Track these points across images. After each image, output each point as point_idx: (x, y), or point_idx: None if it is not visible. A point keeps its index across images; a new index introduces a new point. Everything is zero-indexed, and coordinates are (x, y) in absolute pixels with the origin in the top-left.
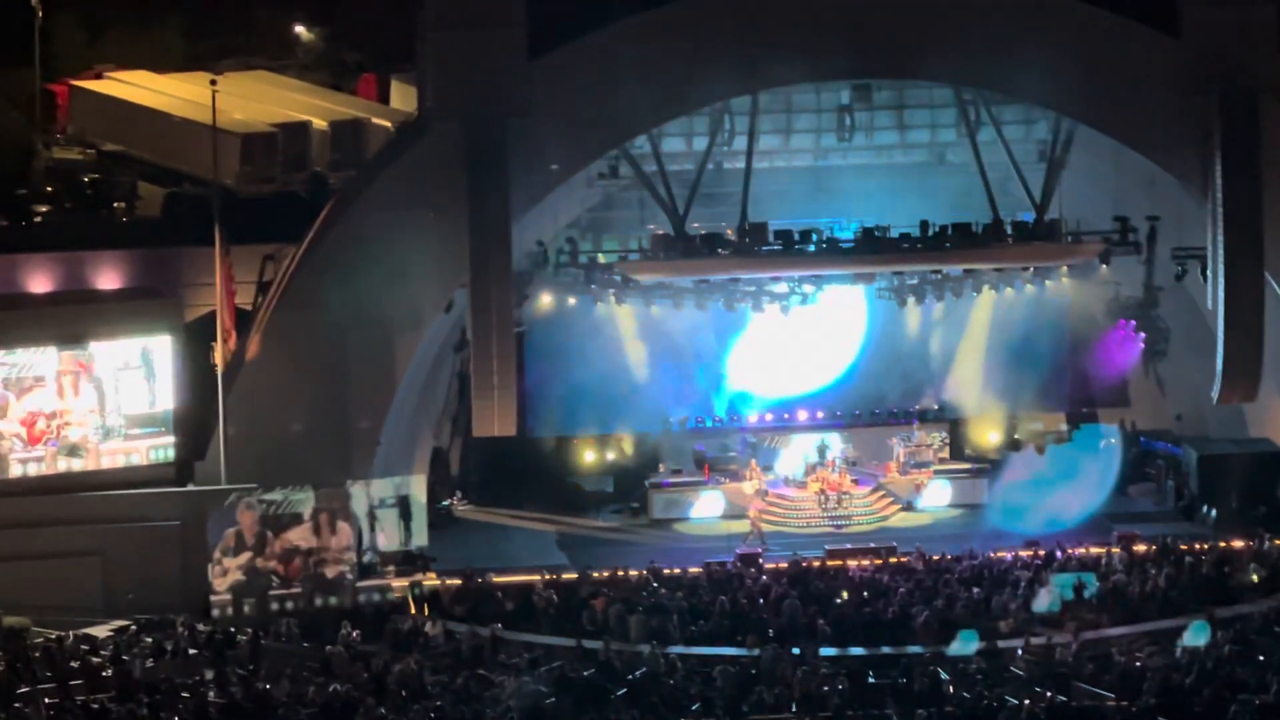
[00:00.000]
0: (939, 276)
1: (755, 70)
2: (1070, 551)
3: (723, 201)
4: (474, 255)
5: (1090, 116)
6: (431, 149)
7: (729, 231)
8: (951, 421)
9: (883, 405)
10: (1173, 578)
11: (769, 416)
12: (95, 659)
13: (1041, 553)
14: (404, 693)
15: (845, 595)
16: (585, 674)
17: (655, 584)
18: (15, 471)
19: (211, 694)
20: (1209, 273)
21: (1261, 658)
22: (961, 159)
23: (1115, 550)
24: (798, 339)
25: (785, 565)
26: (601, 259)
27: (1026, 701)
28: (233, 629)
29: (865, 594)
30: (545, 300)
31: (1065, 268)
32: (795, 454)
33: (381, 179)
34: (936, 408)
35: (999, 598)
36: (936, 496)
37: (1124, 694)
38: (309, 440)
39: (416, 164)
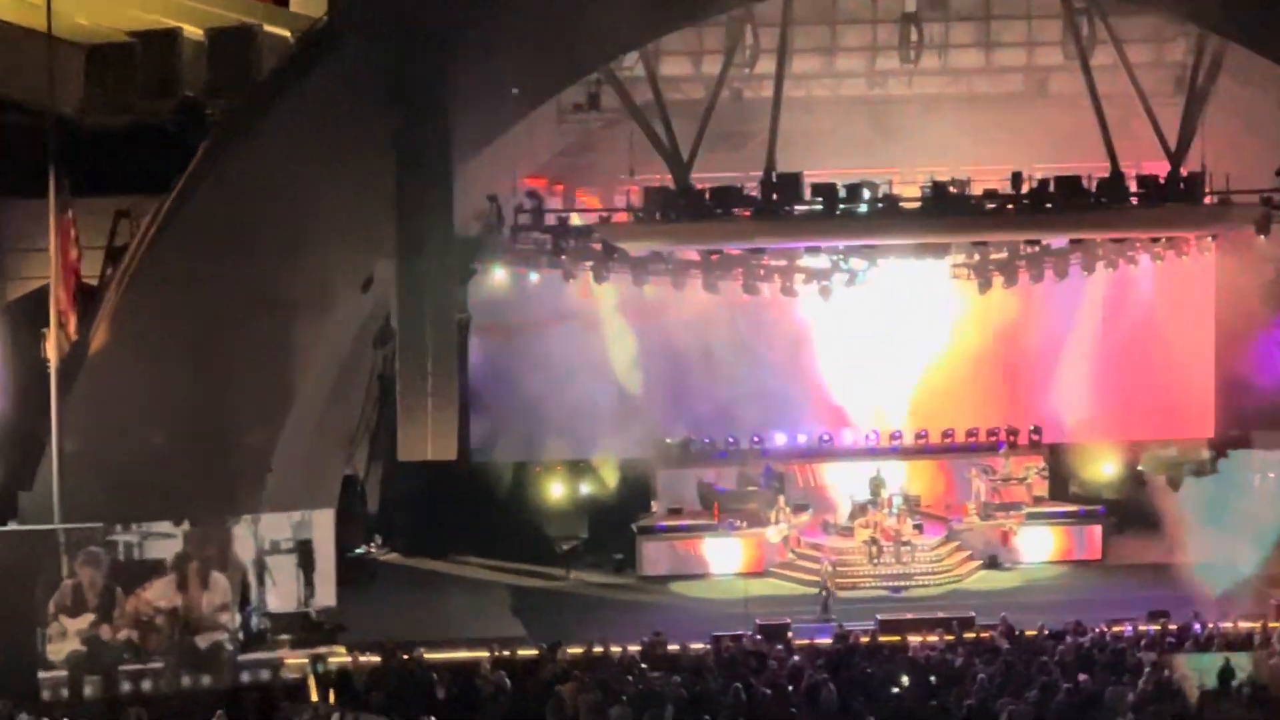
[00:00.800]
0: (1036, 249)
1: None
2: (1213, 625)
3: (742, 144)
4: (401, 214)
5: (1245, 32)
6: (344, 69)
7: (750, 185)
8: (1051, 448)
9: (957, 425)
10: None
11: (803, 439)
12: None
13: (1174, 627)
14: None
15: (905, 682)
16: None
17: (645, 665)
18: None
19: None
20: None
21: None
22: (1069, 90)
23: (1276, 625)
24: (842, 333)
25: (824, 642)
26: (576, 220)
27: None
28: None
29: (932, 681)
30: (498, 277)
31: (1209, 239)
32: (838, 490)
33: (276, 109)
34: (1031, 430)
35: (1115, 688)
36: (1030, 549)
37: None
38: (175, 462)
39: (324, 89)
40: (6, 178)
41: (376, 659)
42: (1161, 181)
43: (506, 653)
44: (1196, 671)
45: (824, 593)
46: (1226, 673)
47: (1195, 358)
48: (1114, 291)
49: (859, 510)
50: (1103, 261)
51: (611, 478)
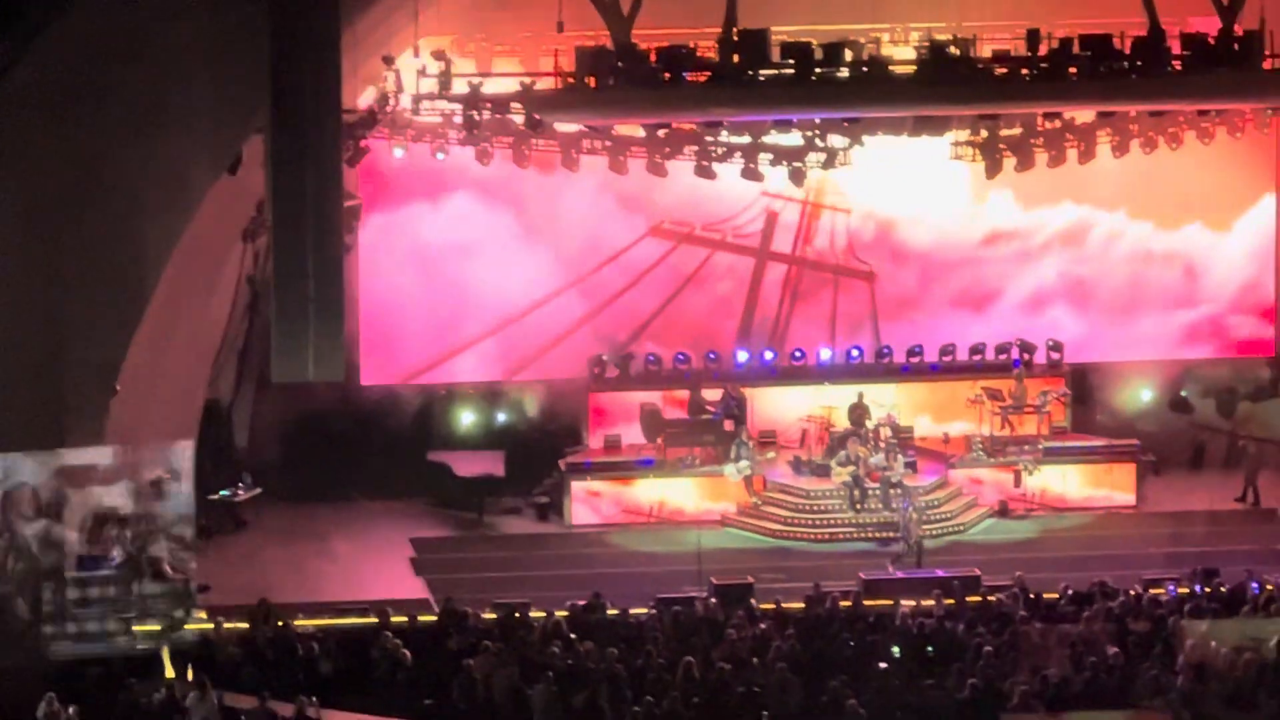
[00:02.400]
0: (1056, 124)
1: None
2: (1274, 585)
3: None
4: (277, 81)
5: None
6: None
7: (705, 45)
8: (1074, 370)
9: (959, 340)
10: None
11: (770, 356)
12: None
13: (1224, 587)
14: None
15: (895, 654)
16: None
17: (575, 634)
18: None
19: None
20: None
21: None
22: None
23: None
24: (818, 227)
25: (794, 606)
26: (490, 87)
27: None
28: None
29: (928, 652)
30: (396, 156)
31: (1268, 112)
32: (813, 419)
33: None
34: (1050, 346)
35: (1150, 662)
36: (1049, 493)
37: None
38: None
39: None
40: None
41: (245, 626)
42: (1211, 41)
43: (404, 618)
44: (1245, 638)
45: (908, 544)
46: None
47: (1251, 259)
48: (1152, 177)
49: (838, 444)
50: (1138, 140)
51: (535, 404)
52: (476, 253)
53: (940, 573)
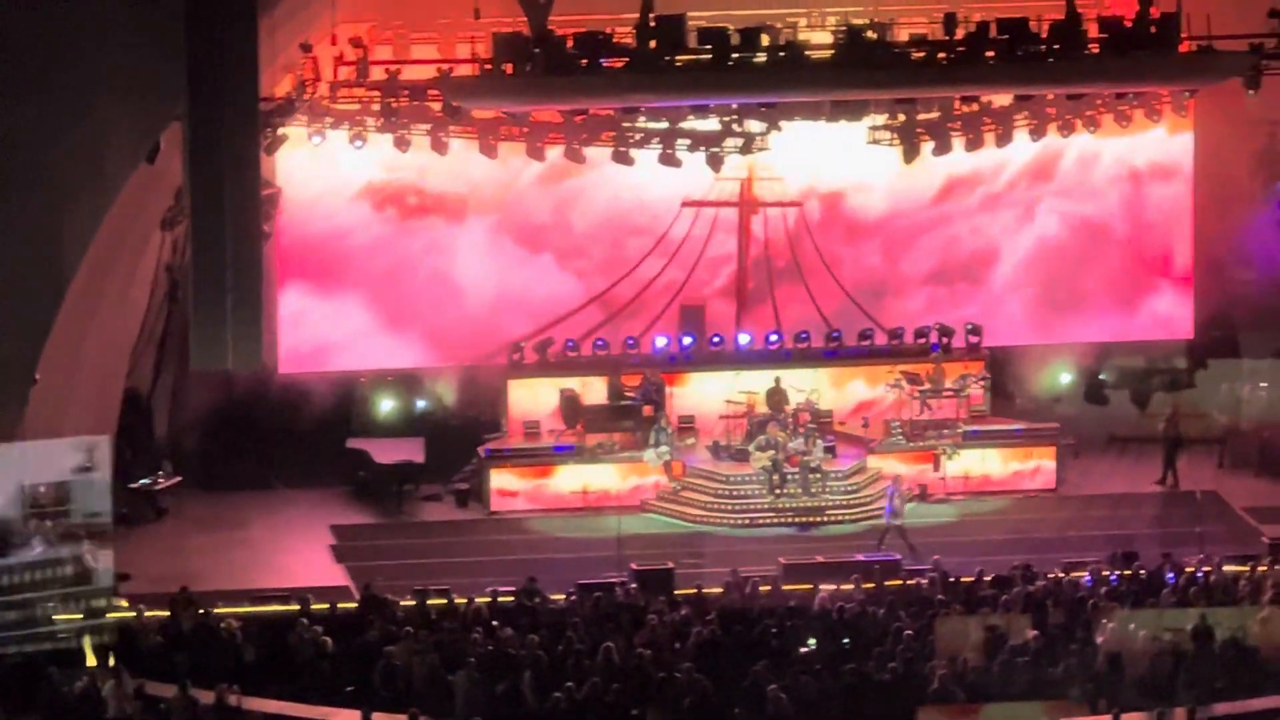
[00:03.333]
0: (973, 108)
1: None
2: (1191, 569)
3: None
4: (194, 68)
5: None
6: None
7: (622, 31)
8: (993, 353)
9: (877, 324)
10: None
11: (688, 342)
12: None
13: (1144, 571)
14: None
15: (813, 642)
16: None
17: (496, 621)
18: None
19: None
20: None
21: None
22: None
23: (1264, 568)
24: (735, 210)
25: (714, 591)
26: (408, 74)
27: None
28: None
29: (846, 640)
30: (314, 144)
31: (1186, 95)
32: (732, 404)
33: None
34: (969, 330)
35: (1069, 647)
36: (968, 476)
37: None
38: None
39: None
40: None
41: (166, 614)
42: (1128, 24)
43: (325, 606)
44: (1166, 626)
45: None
46: (1203, 631)
47: (1169, 242)
48: (1069, 161)
49: (757, 429)
50: (1055, 124)
51: (454, 391)
52: (396, 239)
53: (860, 557)
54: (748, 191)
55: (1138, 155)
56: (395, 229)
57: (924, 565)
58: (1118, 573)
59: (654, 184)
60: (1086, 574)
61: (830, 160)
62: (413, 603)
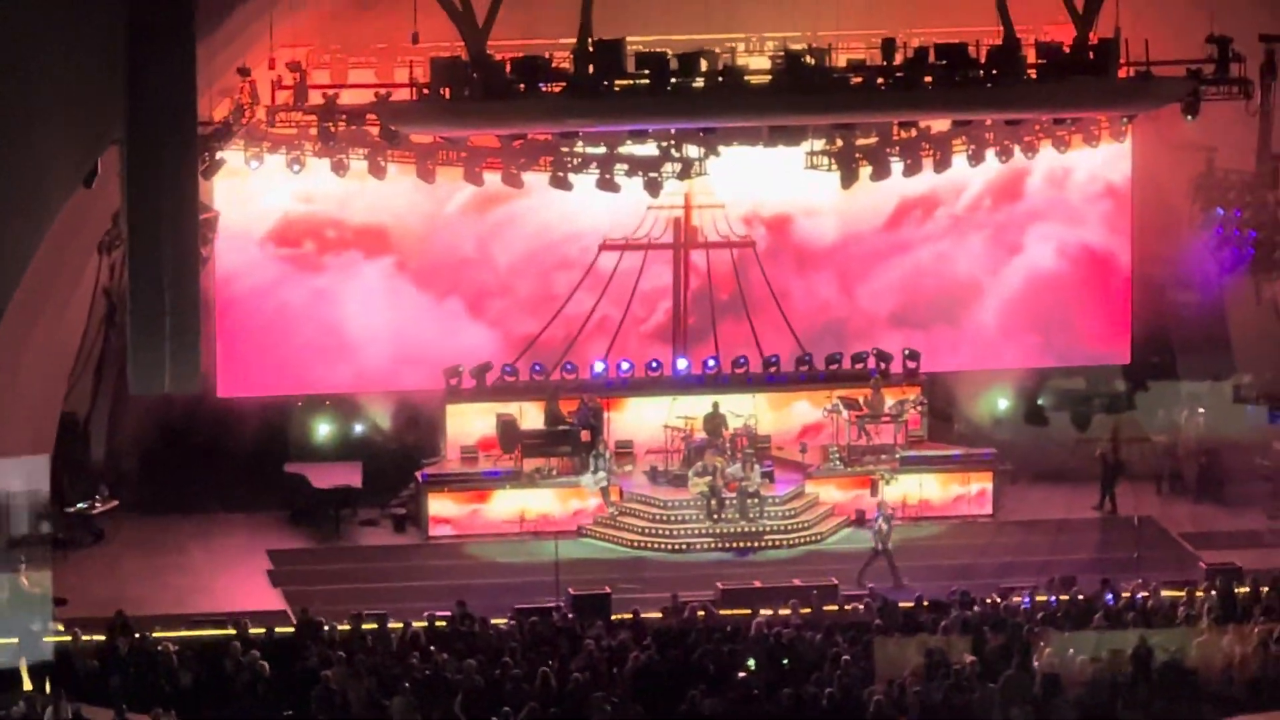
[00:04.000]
0: (911, 134)
1: None
2: (1128, 594)
3: (552, 3)
4: (133, 91)
5: None
6: None
7: (560, 55)
8: (931, 379)
9: (815, 350)
10: None
11: (626, 367)
12: None
13: (1081, 596)
14: None
15: (751, 665)
16: None
17: (432, 645)
18: None
19: None
20: None
21: None
22: None
23: (1201, 594)
24: (674, 236)
25: (652, 616)
26: (347, 98)
27: None
28: None
29: (784, 663)
30: (252, 168)
31: (1124, 121)
32: (670, 429)
33: None
34: (906, 355)
35: (1007, 670)
36: (906, 502)
37: None
38: None
39: None
40: None
41: (102, 638)
42: (1066, 50)
43: (261, 630)
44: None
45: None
46: (1142, 653)
47: (1107, 268)
48: (1008, 186)
49: (695, 454)
50: (994, 149)
51: (391, 415)
52: (334, 265)
53: (797, 582)
54: (687, 221)
55: (1080, 180)
56: (333, 250)
57: (908, 593)
58: (1055, 597)
59: (585, 213)
60: (1024, 599)
61: (774, 184)
62: (349, 627)
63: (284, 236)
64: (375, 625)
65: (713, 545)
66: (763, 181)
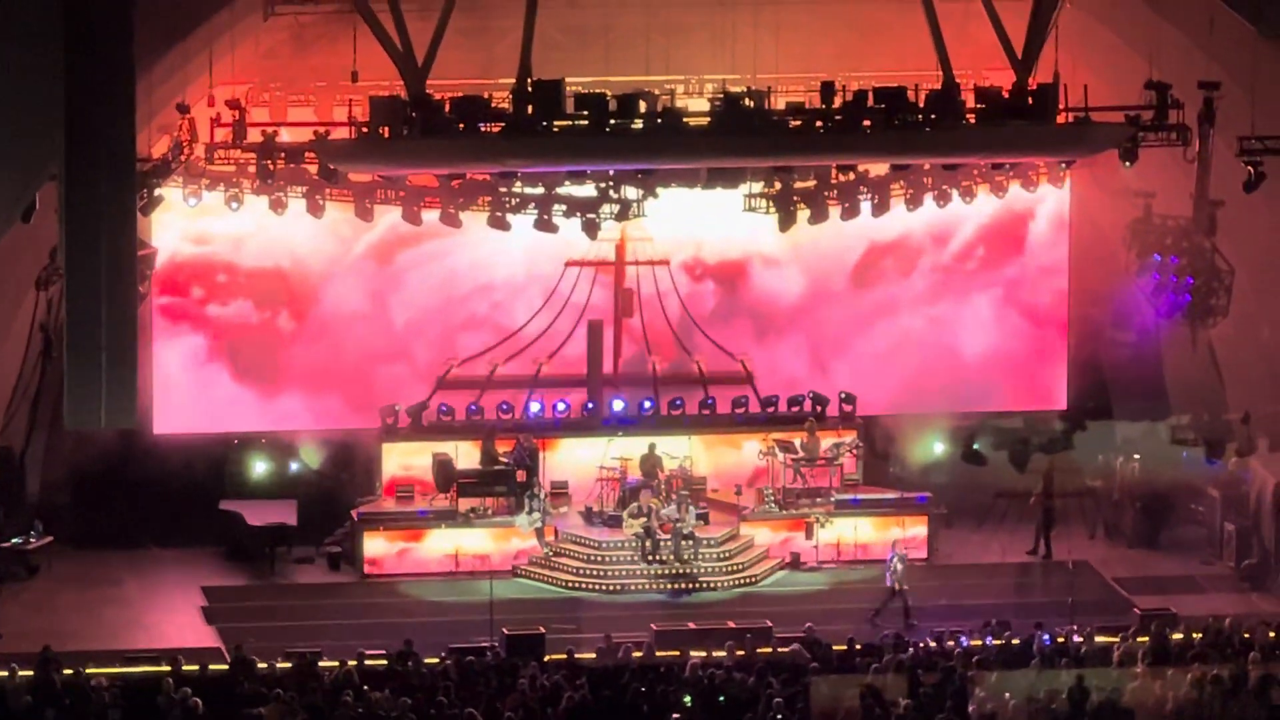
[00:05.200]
0: (850, 177)
1: None
2: (1065, 637)
3: (491, 42)
4: (71, 127)
5: None
6: None
7: (500, 95)
8: (867, 422)
9: (751, 392)
10: (1232, 685)
11: (562, 407)
12: None
13: (1015, 640)
14: None
15: (687, 703)
16: None
17: (366, 684)
18: None
19: None
20: None
21: None
22: None
23: (1141, 640)
24: (610, 276)
25: (586, 657)
26: (286, 136)
27: None
28: None
29: (721, 702)
30: (190, 205)
31: (1062, 166)
32: (605, 470)
33: None
34: (843, 398)
35: (942, 714)
36: (840, 545)
37: None
38: None
39: None
40: None
41: (30, 673)
42: (1005, 95)
43: (195, 667)
44: (1038, 691)
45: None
46: (1078, 692)
47: (1045, 313)
48: (945, 231)
49: (630, 496)
50: (931, 194)
51: (327, 453)
52: (272, 299)
53: (732, 624)
54: (621, 262)
55: (1017, 224)
56: (271, 288)
57: (918, 636)
58: (990, 640)
59: (498, 262)
60: (959, 641)
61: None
62: (284, 665)
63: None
64: (309, 663)
65: (647, 586)
66: (700, 228)
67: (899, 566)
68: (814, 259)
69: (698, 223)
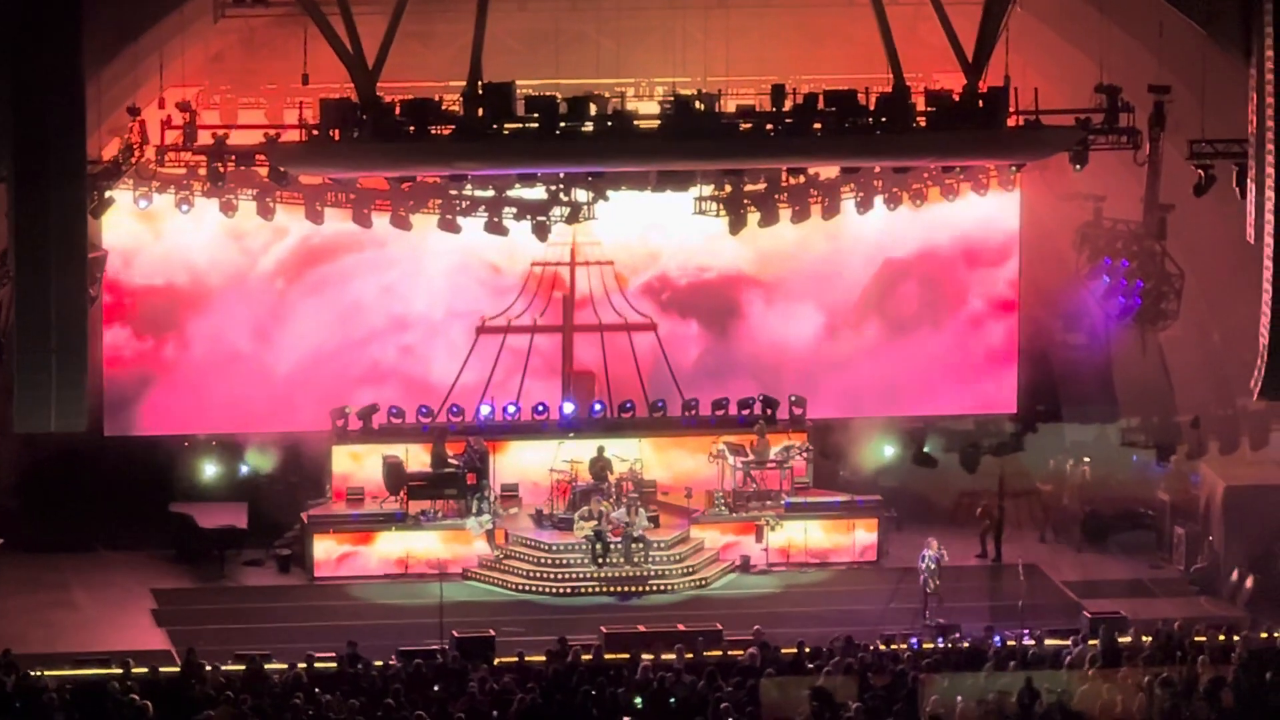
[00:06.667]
0: (800, 180)
1: None
2: (1016, 640)
3: (442, 45)
4: (20, 130)
5: None
6: None
7: (450, 98)
8: (817, 425)
9: (702, 395)
10: (1183, 688)
11: (512, 410)
12: None
13: (965, 644)
14: None
15: (638, 703)
16: None
17: (316, 687)
18: None
19: None
20: (1251, 183)
21: None
22: None
23: (1091, 644)
24: (564, 281)
25: (536, 659)
26: (236, 139)
27: None
28: None
29: (671, 703)
30: (141, 208)
31: (1013, 169)
32: (556, 473)
33: None
34: (793, 401)
35: (893, 716)
36: (791, 547)
37: None
38: None
39: None
40: None
41: None
42: (956, 99)
43: (145, 669)
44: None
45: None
46: (1028, 695)
47: (994, 317)
48: (896, 235)
49: (581, 499)
50: (882, 196)
51: (278, 456)
52: (221, 301)
53: (682, 627)
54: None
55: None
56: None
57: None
58: (939, 643)
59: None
60: (908, 645)
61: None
62: (234, 667)
63: (169, 271)
64: (259, 665)
65: (597, 589)
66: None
67: (932, 565)
68: (770, 264)
69: (651, 229)
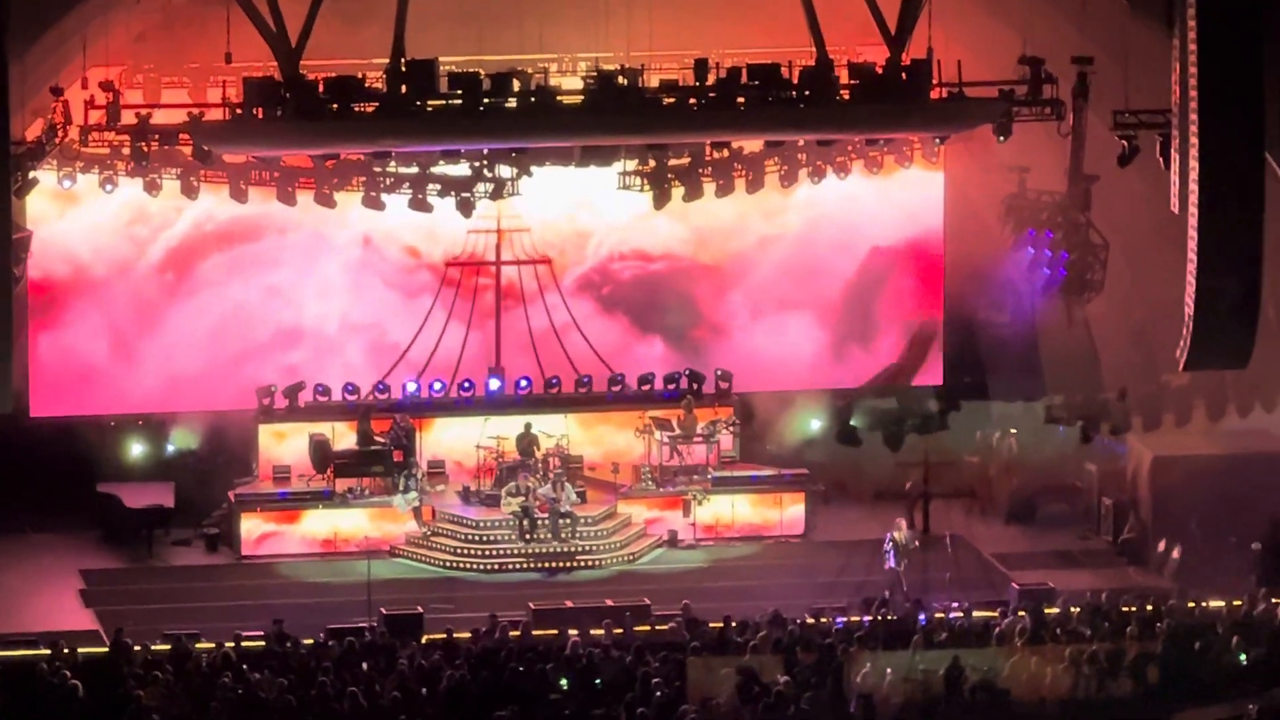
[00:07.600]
0: (724, 154)
1: None
2: (942, 613)
3: (365, 22)
4: None
5: None
6: None
7: (373, 75)
8: (743, 399)
9: (628, 370)
10: (1108, 660)
11: (438, 386)
12: None
13: (893, 616)
14: None
15: (564, 685)
16: None
17: (245, 664)
18: None
19: None
20: (1175, 153)
21: None
22: None
23: (1020, 615)
24: (487, 255)
25: (463, 636)
26: (160, 118)
27: None
28: None
29: (597, 682)
30: (63, 188)
31: (937, 142)
32: (482, 448)
33: None
34: (719, 376)
35: (820, 692)
36: (719, 522)
37: None
38: None
39: None
40: None
41: None
42: (879, 71)
43: (72, 650)
44: (916, 671)
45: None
46: (954, 673)
47: (919, 290)
48: (820, 206)
49: (507, 475)
50: (806, 170)
51: (204, 435)
52: (140, 285)
53: (610, 602)
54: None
55: (892, 201)
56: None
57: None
58: (867, 617)
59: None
60: (836, 619)
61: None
62: (163, 647)
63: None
64: (187, 645)
65: (525, 565)
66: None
67: (900, 542)
68: (695, 240)
69: (576, 207)
